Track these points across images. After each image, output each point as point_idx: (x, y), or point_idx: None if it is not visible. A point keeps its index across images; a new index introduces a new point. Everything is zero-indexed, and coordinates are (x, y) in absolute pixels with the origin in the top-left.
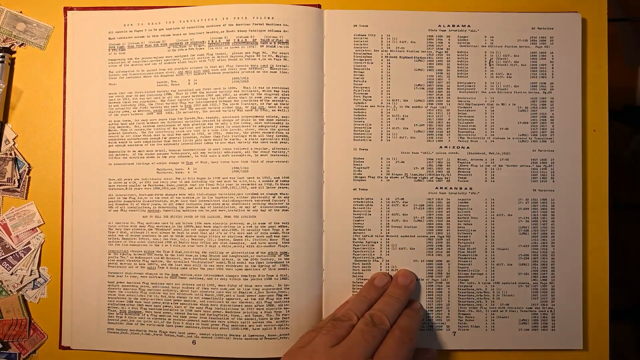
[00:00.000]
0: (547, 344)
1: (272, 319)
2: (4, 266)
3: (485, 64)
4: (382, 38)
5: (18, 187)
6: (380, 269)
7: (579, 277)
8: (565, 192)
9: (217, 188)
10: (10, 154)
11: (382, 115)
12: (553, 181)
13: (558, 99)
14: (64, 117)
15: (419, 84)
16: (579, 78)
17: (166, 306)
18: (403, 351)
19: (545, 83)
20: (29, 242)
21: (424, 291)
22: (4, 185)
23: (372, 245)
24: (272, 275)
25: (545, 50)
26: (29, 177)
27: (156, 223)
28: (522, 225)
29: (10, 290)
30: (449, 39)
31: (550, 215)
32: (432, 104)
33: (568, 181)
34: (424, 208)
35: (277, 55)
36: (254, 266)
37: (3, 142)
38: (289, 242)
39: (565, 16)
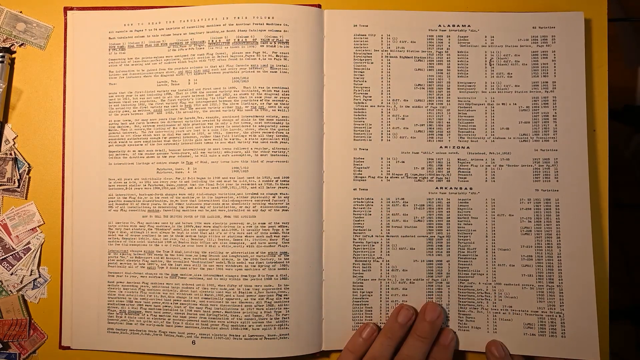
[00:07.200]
0: (557, 352)
1: (272, 319)
2: (4, 266)
3: (486, 64)
4: (382, 38)
5: (18, 187)
6: (381, 269)
7: (590, 281)
8: (571, 192)
9: (217, 188)
10: (10, 154)
11: (382, 115)
12: (557, 181)
13: (561, 98)
14: (64, 117)
15: (419, 84)
16: (583, 76)
17: (166, 306)
18: None
19: (547, 82)
20: (29, 242)
21: (424, 291)
22: (4, 185)
23: (372, 246)
24: (272, 275)
25: (547, 50)
26: (29, 177)
27: (156, 223)
28: (524, 225)
29: (10, 290)
30: (449, 39)
31: (555, 216)
32: (432, 103)
33: (574, 181)
34: (424, 208)
35: (277, 55)
36: (254, 266)
37: (3, 142)
38: (289, 242)
39: (568, 15)
